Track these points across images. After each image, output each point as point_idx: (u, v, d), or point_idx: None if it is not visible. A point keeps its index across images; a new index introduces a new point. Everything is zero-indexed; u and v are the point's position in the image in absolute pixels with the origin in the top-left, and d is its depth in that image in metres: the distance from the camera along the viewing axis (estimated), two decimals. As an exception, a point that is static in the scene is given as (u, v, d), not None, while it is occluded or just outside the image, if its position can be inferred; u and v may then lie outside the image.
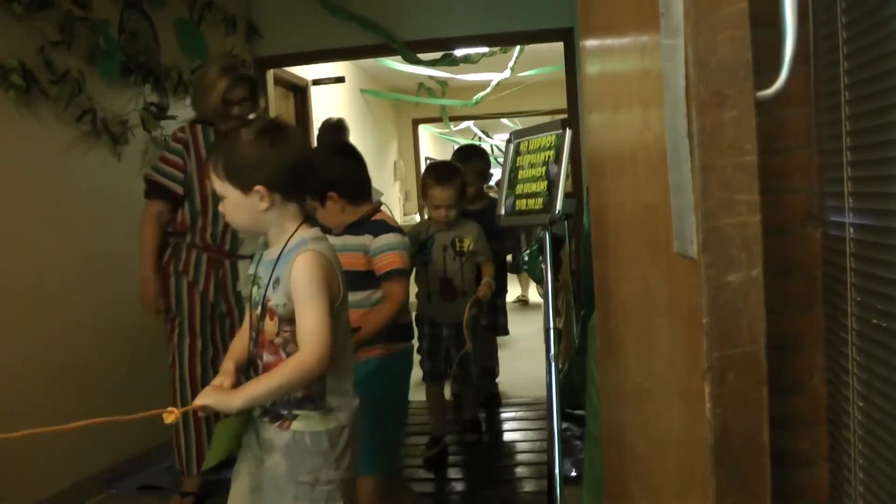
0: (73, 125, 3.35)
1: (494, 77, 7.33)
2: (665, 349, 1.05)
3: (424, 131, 11.06)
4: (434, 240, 3.53)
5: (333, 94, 6.63)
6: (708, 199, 0.81)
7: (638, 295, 1.29)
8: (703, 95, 0.81)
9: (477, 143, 10.91)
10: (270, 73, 5.12)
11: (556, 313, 4.55)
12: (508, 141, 3.09)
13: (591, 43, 1.70)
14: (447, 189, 3.46)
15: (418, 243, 3.47)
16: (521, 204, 2.86)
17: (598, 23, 1.55)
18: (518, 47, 6.27)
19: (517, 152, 3.00)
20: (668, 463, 1.12)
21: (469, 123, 11.04)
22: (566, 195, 3.75)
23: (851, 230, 1.37)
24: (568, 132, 2.64)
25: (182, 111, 4.05)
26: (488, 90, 7.59)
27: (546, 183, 2.72)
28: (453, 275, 3.52)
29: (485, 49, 5.79)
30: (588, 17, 1.70)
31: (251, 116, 3.14)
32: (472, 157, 4.24)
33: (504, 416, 4.41)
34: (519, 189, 2.90)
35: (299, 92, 5.91)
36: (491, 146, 11.95)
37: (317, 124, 6.11)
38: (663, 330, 1.07)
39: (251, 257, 2.50)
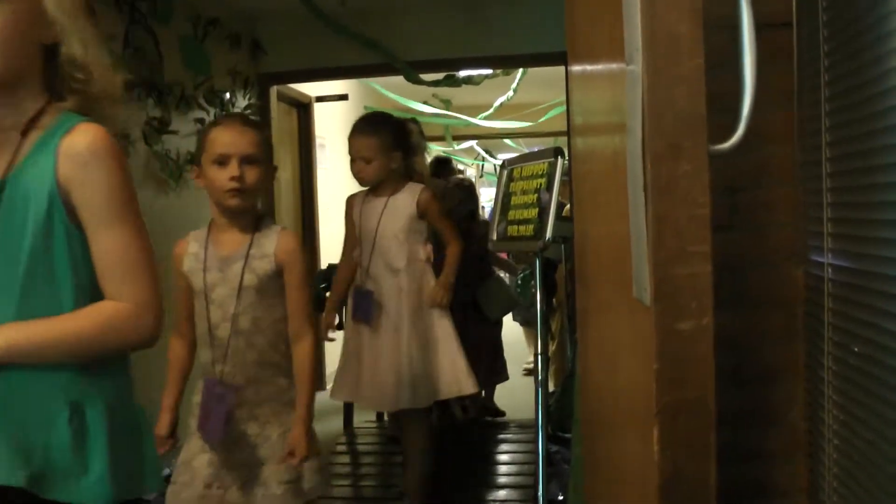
0: (74, 138, 3.37)
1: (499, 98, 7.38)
2: (627, 387, 1.07)
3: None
4: None
5: (337, 111, 6.67)
6: (661, 249, 0.83)
7: (608, 329, 1.31)
8: (658, 147, 0.83)
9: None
10: (274, 90, 5.17)
11: (550, 337, 4.56)
12: (502, 167, 3.12)
13: (575, 69, 1.73)
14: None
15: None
16: (513, 230, 2.89)
17: (579, 51, 1.58)
18: (521, 70, 6.32)
19: (510, 178, 3.03)
20: (631, 498, 1.14)
21: (472, 142, 11.08)
22: (566, 219, 3.77)
23: (830, 270, 1.39)
24: (560, 160, 2.67)
25: (184, 126, 4.09)
26: (490, 111, 7.63)
27: (538, 210, 2.75)
28: None
29: (488, 70, 5.83)
30: (573, 44, 1.73)
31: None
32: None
33: (494, 436, 4.42)
34: (511, 215, 2.93)
35: (302, 108, 5.96)
36: (494, 167, 12.00)
37: (319, 140, 6.15)
38: (625, 369, 1.09)
39: None
